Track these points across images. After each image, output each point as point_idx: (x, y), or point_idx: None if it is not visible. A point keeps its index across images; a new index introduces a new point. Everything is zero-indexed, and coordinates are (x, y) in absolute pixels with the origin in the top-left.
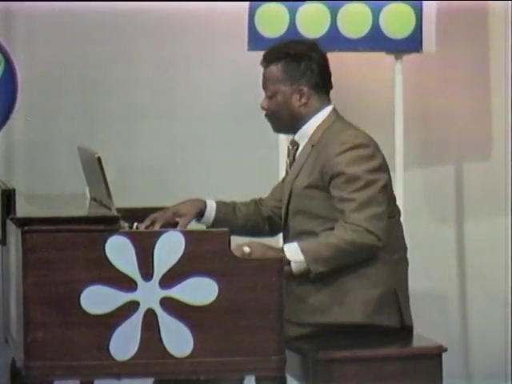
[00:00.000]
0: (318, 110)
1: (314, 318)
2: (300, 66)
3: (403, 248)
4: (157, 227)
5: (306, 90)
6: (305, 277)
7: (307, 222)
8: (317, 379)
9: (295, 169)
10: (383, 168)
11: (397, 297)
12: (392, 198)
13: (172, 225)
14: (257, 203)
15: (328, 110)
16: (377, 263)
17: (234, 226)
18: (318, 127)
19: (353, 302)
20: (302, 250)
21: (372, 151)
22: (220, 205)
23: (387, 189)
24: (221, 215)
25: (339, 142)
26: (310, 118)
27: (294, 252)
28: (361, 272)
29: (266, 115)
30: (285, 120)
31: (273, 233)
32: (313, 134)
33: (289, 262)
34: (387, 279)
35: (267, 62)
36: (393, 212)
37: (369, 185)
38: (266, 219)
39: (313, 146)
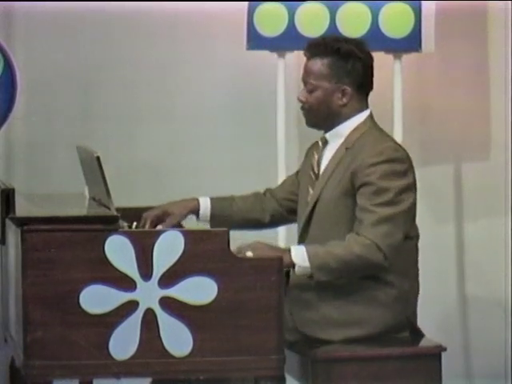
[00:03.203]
0: (356, 113)
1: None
2: (347, 65)
3: (415, 273)
4: (146, 226)
5: (349, 89)
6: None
7: (334, 230)
8: (316, 379)
9: (327, 173)
10: (413, 187)
11: (409, 322)
12: (414, 218)
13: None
14: (258, 196)
15: (366, 114)
16: (393, 291)
17: (232, 220)
18: (354, 130)
19: (366, 326)
20: (309, 256)
21: (407, 168)
22: (215, 201)
23: (412, 209)
24: (217, 211)
25: (376, 151)
26: (347, 118)
27: (300, 256)
28: (378, 299)
29: (303, 108)
30: (321, 117)
31: (274, 225)
32: (348, 136)
33: (293, 265)
34: (402, 308)
35: (313, 54)
36: (410, 233)
37: (394, 203)
38: (269, 211)
39: (347, 148)
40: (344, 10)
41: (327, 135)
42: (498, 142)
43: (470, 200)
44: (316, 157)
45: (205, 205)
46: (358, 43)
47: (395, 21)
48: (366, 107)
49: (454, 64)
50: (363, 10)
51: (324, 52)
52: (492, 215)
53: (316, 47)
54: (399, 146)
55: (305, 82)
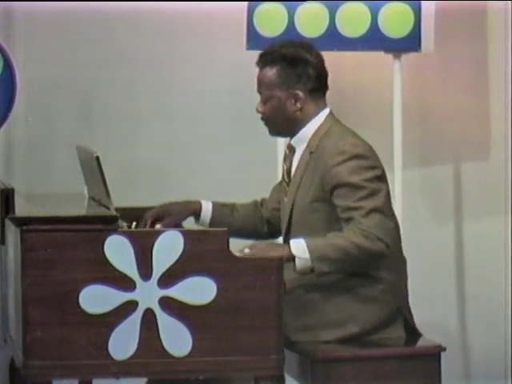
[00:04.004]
0: (314, 115)
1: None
2: (296, 71)
3: (402, 262)
4: (147, 224)
5: (301, 94)
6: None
7: (312, 235)
8: (315, 378)
9: (296, 179)
10: (383, 178)
11: (401, 313)
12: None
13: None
14: (257, 204)
15: (325, 114)
16: (381, 285)
17: (231, 228)
18: (315, 132)
19: (359, 323)
20: (309, 248)
21: (372, 162)
22: (217, 206)
23: (388, 199)
24: (217, 216)
25: (338, 151)
26: (306, 122)
27: (300, 248)
28: (367, 294)
29: (262, 119)
30: (280, 124)
31: (272, 234)
32: (310, 140)
33: (293, 258)
34: (392, 300)
35: (262, 64)
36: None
37: (374, 194)
38: (266, 221)
39: (311, 152)
40: (344, 10)
41: (292, 142)
42: (498, 142)
43: (470, 200)
44: (285, 166)
45: (206, 208)
46: (304, 46)
47: (395, 21)
48: (325, 107)
49: (453, 64)
50: (363, 9)
51: (272, 60)
52: (492, 215)
53: (264, 57)
54: (359, 139)
55: (259, 93)
